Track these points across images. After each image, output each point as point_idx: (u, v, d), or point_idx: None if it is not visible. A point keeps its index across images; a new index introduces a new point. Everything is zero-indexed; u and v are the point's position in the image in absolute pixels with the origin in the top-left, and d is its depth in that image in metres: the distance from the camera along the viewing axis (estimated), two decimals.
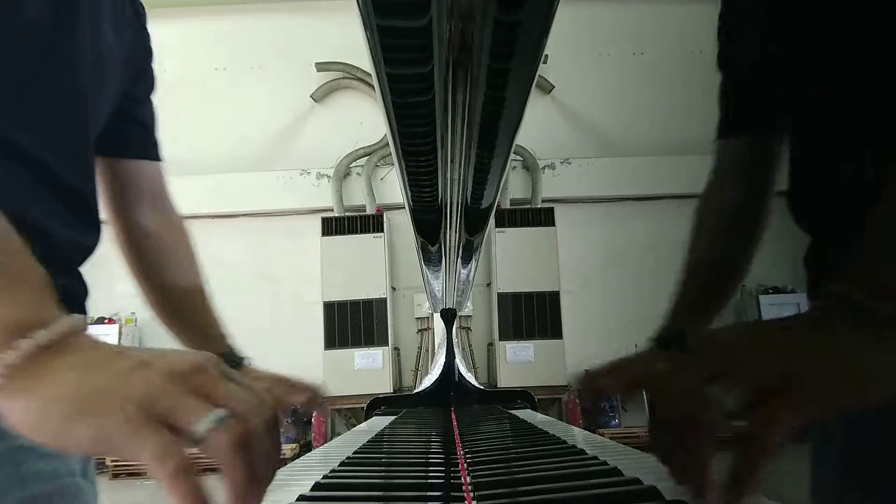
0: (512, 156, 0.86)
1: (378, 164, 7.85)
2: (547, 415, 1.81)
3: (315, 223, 7.38)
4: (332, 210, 7.69)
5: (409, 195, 0.95)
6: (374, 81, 0.59)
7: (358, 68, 7.84)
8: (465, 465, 0.68)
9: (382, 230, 7.27)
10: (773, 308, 7.25)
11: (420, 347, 7.62)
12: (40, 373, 0.35)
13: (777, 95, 0.82)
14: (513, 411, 1.62)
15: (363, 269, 7.15)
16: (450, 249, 1.34)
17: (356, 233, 7.25)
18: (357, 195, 7.83)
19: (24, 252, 0.39)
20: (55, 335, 0.36)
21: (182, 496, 0.35)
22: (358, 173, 7.89)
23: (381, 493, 0.56)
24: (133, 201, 1.09)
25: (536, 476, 0.62)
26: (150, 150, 1.12)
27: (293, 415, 6.97)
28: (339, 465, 0.65)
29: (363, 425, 1.57)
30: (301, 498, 0.49)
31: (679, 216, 7.27)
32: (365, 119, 7.90)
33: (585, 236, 7.90)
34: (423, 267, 1.66)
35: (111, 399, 0.34)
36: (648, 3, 8.46)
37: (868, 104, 0.63)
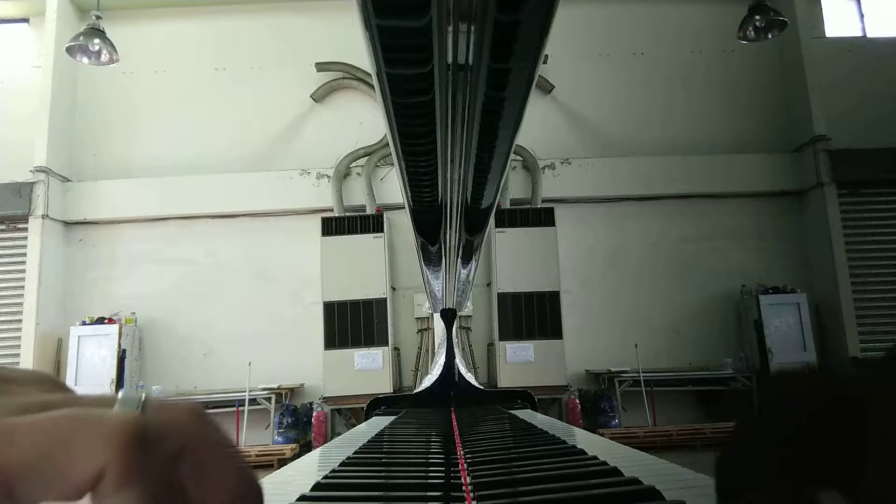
0: (512, 156, 0.86)
1: (378, 164, 7.85)
2: (547, 415, 1.80)
3: (315, 223, 7.38)
4: (332, 210, 7.69)
5: (409, 195, 0.95)
6: (374, 81, 0.59)
7: (358, 68, 7.85)
8: (465, 465, 0.68)
9: (382, 230, 7.26)
10: (773, 308, 7.26)
11: (420, 347, 7.61)
12: None
13: None
14: (513, 411, 1.62)
15: (363, 269, 7.15)
16: (450, 249, 1.34)
17: (356, 233, 7.24)
18: (357, 195, 7.82)
19: None
20: None
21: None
22: (358, 173, 7.89)
23: (381, 494, 0.56)
24: None
25: (536, 476, 0.62)
26: None
27: (292, 414, 6.96)
28: (339, 465, 0.65)
29: (363, 425, 1.57)
30: (301, 498, 0.49)
31: (679, 216, 7.37)
32: (365, 119, 7.90)
33: (585, 236, 7.90)
34: (423, 267, 1.65)
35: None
36: (648, 3, 8.46)
37: None
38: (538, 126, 7.86)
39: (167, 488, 0.19)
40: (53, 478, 0.18)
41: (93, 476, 0.18)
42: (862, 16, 8.65)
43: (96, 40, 6.37)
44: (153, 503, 0.19)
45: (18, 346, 7.30)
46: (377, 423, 1.47)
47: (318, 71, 8.01)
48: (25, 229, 7.53)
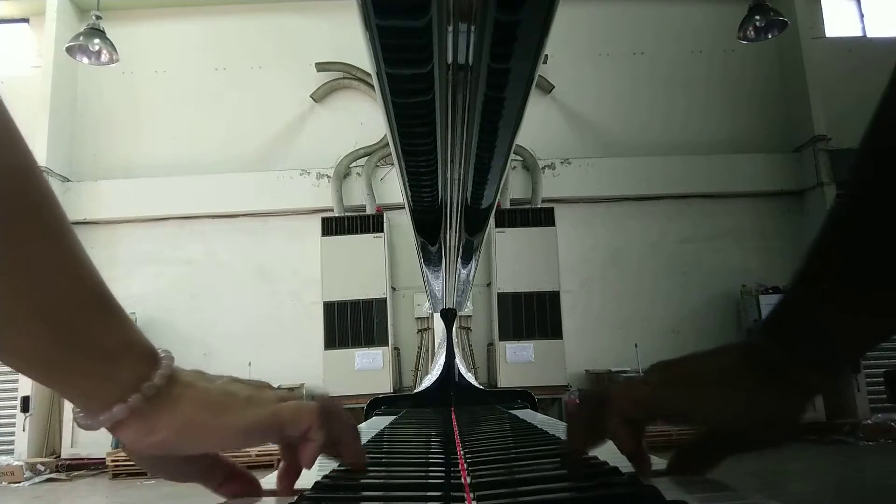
0: (512, 156, 0.86)
1: (378, 164, 7.85)
2: (547, 415, 1.80)
3: (315, 223, 7.38)
4: (332, 210, 7.69)
5: (409, 195, 0.95)
6: (374, 81, 0.59)
7: (358, 68, 7.85)
8: (465, 465, 0.68)
9: (382, 230, 7.26)
10: None
11: (420, 347, 7.61)
12: (171, 395, 0.47)
13: None
14: (513, 411, 1.62)
15: (363, 269, 7.15)
16: (450, 249, 1.34)
17: (356, 233, 7.24)
18: (357, 195, 7.83)
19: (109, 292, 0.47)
20: (168, 370, 0.48)
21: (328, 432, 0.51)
22: (358, 173, 7.89)
23: (381, 493, 0.56)
24: None
25: (536, 476, 0.62)
26: None
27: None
28: (339, 465, 0.65)
29: (363, 425, 1.56)
30: (301, 498, 0.49)
31: (679, 216, 7.35)
32: (365, 119, 7.90)
33: (585, 236, 7.90)
34: (423, 267, 1.66)
35: (262, 397, 0.51)
36: (648, 3, 8.46)
37: None
38: (538, 126, 7.86)
39: (331, 434, 0.50)
40: (293, 428, 0.49)
41: (306, 429, 0.49)
42: (862, 16, 8.65)
43: (96, 40, 6.38)
44: (329, 440, 0.50)
45: None
46: (377, 423, 1.47)
47: (318, 71, 8.01)
48: None
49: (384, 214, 7.41)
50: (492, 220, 1.34)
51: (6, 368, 7.61)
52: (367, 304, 7.10)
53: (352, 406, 7.12)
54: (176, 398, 0.47)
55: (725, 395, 0.52)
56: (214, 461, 0.53)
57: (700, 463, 0.57)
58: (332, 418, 0.51)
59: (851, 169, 0.51)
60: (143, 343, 0.49)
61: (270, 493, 0.54)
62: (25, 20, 8.39)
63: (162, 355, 0.49)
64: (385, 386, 6.93)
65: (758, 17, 6.61)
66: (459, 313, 2.18)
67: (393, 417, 1.53)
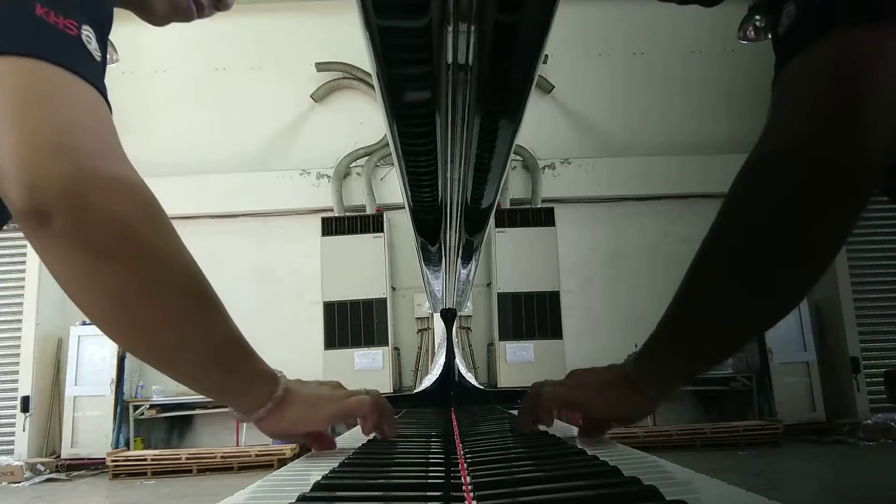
0: (512, 156, 0.86)
1: (378, 164, 7.84)
2: None
3: (315, 223, 7.37)
4: (332, 210, 7.68)
5: (409, 195, 0.95)
6: (374, 81, 0.59)
7: (358, 68, 7.84)
8: (465, 465, 0.68)
9: (382, 230, 7.26)
10: None
11: (420, 347, 7.61)
12: (287, 400, 0.78)
13: None
14: (513, 411, 1.62)
15: (363, 269, 7.15)
16: (450, 249, 1.34)
17: (356, 233, 7.24)
18: (357, 195, 7.82)
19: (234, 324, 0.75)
20: (284, 384, 0.79)
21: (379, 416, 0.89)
22: (358, 173, 7.89)
23: (381, 494, 0.56)
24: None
25: (536, 476, 0.62)
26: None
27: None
28: (339, 466, 0.65)
29: None
30: (301, 498, 0.49)
31: (679, 216, 7.34)
32: (365, 119, 7.89)
33: (586, 236, 7.90)
34: (423, 267, 1.66)
35: (337, 395, 0.85)
36: (648, 3, 8.44)
37: None
38: (538, 126, 7.85)
39: (378, 415, 0.90)
40: (357, 414, 0.90)
41: (365, 414, 0.89)
42: None
43: None
44: (378, 419, 0.90)
45: (18, 346, 7.29)
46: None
47: (318, 71, 8.01)
48: None
49: (384, 214, 7.41)
50: (492, 220, 1.34)
51: (6, 368, 7.50)
52: (367, 304, 7.10)
53: None
54: (290, 402, 0.78)
55: (603, 398, 0.87)
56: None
57: (594, 432, 0.93)
58: (380, 406, 0.88)
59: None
60: (268, 371, 0.79)
61: (340, 451, 0.87)
62: None
63: (279, 375, 0.80)
64: (385, 386, 6.94)
65: (758, 18, 6.61)
66: (459, 313, 2.18)
67: None
